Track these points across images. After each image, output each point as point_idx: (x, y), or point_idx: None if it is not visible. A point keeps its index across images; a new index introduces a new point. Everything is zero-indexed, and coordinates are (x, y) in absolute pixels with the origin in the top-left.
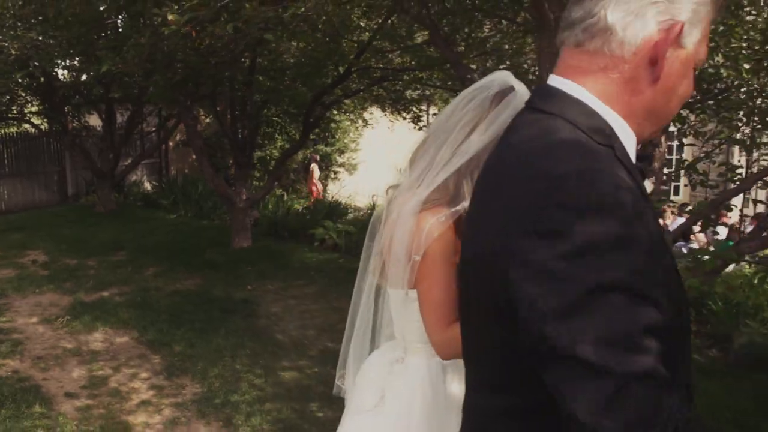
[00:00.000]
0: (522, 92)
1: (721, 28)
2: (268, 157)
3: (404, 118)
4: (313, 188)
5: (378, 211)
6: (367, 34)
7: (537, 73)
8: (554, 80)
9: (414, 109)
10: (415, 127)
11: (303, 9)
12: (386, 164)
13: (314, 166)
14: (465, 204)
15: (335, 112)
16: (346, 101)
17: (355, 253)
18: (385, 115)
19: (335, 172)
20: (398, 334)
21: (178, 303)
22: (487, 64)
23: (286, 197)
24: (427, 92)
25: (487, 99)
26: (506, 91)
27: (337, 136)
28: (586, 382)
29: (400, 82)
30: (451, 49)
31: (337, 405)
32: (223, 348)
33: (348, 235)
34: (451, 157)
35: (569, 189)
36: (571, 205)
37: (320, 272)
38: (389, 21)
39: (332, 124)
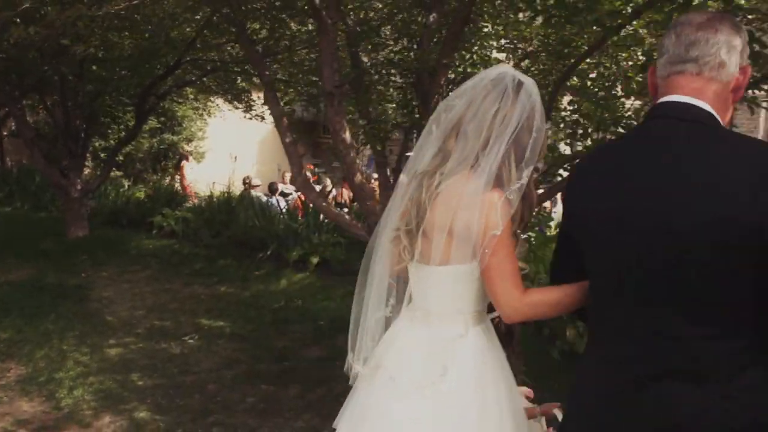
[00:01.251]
0: (529, 84)
1: None
2: (103, 147)
3: (237, 108)
4: (187, 186)
5: (403, 195)
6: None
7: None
8: (686, 99)
9: (246, 98)
10: (246, 116)
11: (116, 8)
12: (227, 153)
13: (184, 164)
14: (514, 186)
15: (175, 101)
16: (188, 90)
17: (192, 239)
18: (224, 105)
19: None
20: (449, 308)
21: (7, 292)
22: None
23: (127, 186)
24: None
25: (508, 92)
26: (520, 84)
27: (184, 125)
28: None
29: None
30: (254, 48)
31: (159, 374)
32: (52, 332)
33: (185, 221)
34: (496, 145)
35: None
36: None
37: (155, 258)
38: (215, 16)
39: (178, 113)
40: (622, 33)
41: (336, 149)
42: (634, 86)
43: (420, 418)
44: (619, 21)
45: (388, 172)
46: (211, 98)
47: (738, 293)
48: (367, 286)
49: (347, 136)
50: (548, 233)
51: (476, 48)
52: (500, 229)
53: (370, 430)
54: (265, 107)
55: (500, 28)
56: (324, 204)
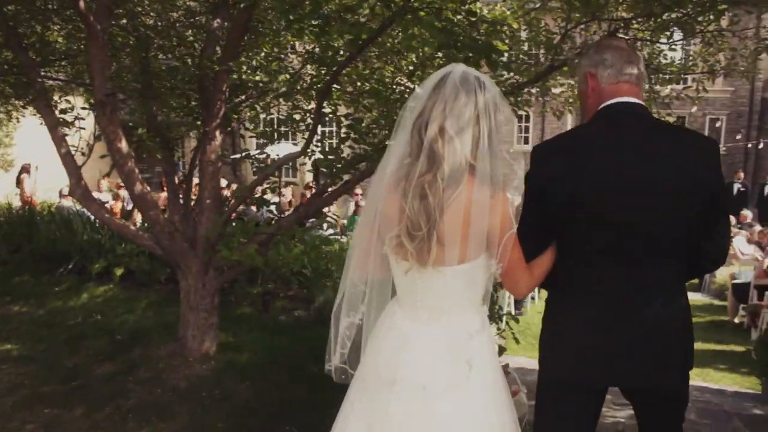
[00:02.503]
0: (486, 78)
1: None
2: None
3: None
4: (27, 199)
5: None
6: None
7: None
8: (631, 99)
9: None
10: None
11: None
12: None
13: (24, 176)
14: (513, 185)
15: None
16: None
17: None
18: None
19: None
20: (463, 301)
21: None
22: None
23: None
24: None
25: (477, 91)
26: (481, 80)
27: None
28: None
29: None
30: (25, 53)
31: None
32: None
33: None
34: (486, 145)
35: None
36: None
37: None
38: None
39: None
40: (396, 40)
41: (113, 158)
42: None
43: (459, 415)
44: (364, 37)
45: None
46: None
47: (684, 233)
48: (339, 293)
49: (123, 145)
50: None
51: (263, 53)
52: (515, 228)
53: None
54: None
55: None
56: (107, 216)
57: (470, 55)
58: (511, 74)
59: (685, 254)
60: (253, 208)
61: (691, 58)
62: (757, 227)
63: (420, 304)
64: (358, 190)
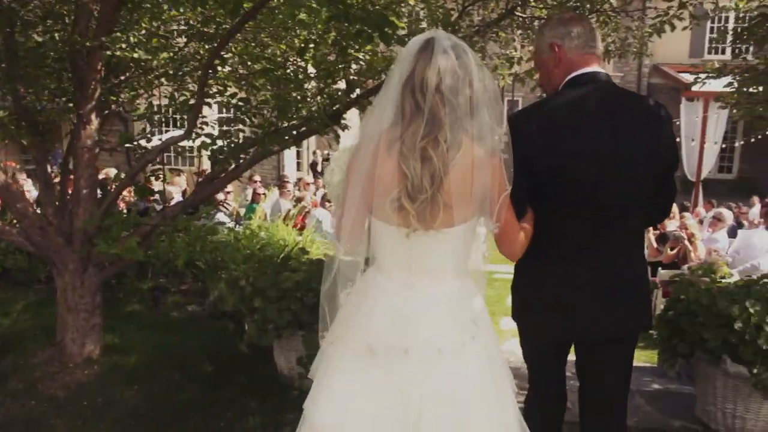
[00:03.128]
0: (466, 45)
1: None
2: None
3: None
4: None
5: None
6: None
7: None
8: (598, 69)
9: None
10: None
11: None
12: None
13: None
14: (502, 145)
15: None
16: None
17: None
18: None
19: None
20: (462, 261)
21: None
22: None
23: None
24: None
25: (467, 55)
26: (463, 47)
27: None
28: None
29: None
30: None
31: None
32: None
33: None
34: (481, 109)
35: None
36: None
37: None
38: None
39: None
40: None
41: None
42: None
43: (471, 374)
44: (247, 6)
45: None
46: None
47: (650, 191)
48: (326, 272)
49: None
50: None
51: (143, 29)
52: (509, 188)
53: (445, 405)
54: None
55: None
56: None
57: (364, 28)
58: None
59: (645, 210)
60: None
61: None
62: None
63: (417, 269)
64: (257, 177)
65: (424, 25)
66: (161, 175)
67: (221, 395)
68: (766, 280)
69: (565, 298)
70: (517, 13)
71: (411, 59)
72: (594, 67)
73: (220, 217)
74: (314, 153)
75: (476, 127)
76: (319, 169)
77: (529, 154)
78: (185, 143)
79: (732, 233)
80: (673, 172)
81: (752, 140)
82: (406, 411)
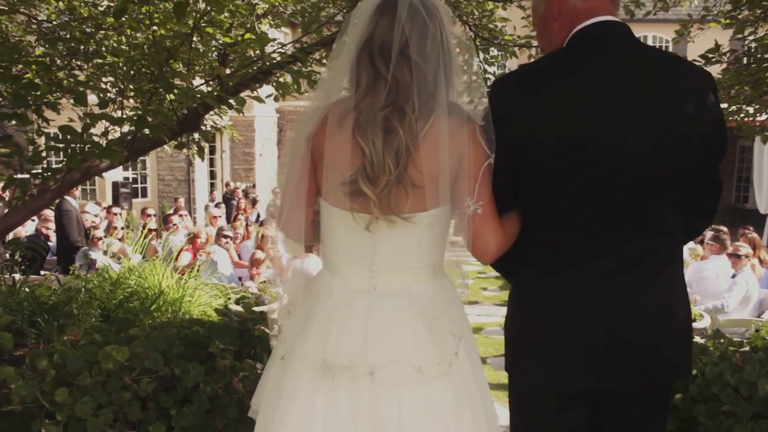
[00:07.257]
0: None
1: None
2: None
3: None
4: None
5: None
6: None
7: None
8: (616, 20)
9: None
10: None
11: None
12: None
13: None
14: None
15: None
16: None
17: None
18: None
19: None
20: (438, 254)
21: None
22: None
23: None
24: None
25: (434, 12)
26: (433, 4)
27: None
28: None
29: None
30: None
31: None
32: None
33: None
34: (451, 72)
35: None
36: None
37: None
38: None
39: None
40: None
41: None
42: None
43: (459, 395)
44: None
45: None
46: None
47: (688, 183)
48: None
49: None
50: None
51: None
52: (492, 156)
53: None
54: None
55: None
56: None
57: None
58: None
59: (680, 212)
60: None
61: (525, 26)
62: None
63: (379, 267)
64: (152, 210)
65: None
66: None
67: None
68: None
69: (579, 335)
70: None
71: (368, 20)
72: (605, 16)
73: (99, 257)
74: (227, 184)
75: (450, 92)
76: (237, 202)
77: (517, 134)
78: None
79: None
80: (719, 159)
81: None
82: None
